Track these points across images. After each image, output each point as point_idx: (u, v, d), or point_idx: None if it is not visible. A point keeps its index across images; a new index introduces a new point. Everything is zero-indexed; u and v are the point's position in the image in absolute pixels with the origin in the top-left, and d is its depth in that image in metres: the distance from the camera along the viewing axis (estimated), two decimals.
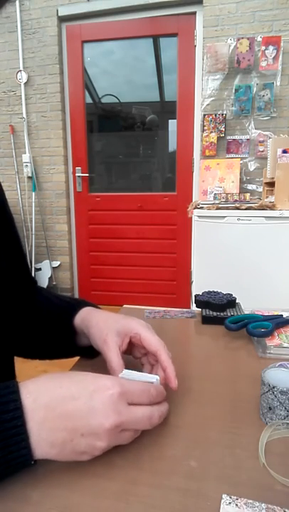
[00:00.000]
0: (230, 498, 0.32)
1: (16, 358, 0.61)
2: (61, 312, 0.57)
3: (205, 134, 2.63)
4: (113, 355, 0.45)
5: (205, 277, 2.00)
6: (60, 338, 0.57)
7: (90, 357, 0.57)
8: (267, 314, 0.74)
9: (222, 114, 2.59)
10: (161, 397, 0.40)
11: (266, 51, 2.41)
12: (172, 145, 2.96)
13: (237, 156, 2.61)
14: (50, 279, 3.17)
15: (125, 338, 0.48)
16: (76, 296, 3.26)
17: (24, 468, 0.34)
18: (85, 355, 0.58)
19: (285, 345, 0.62)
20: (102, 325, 0.49)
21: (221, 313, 0.76)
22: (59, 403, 0.34)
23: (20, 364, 0.61)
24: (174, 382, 0.44)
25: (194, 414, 0.45)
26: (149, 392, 0.39)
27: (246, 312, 0.77)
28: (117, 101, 3.06)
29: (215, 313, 0.76)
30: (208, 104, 2.61)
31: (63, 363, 0.62)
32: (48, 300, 0.62)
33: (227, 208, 1.95)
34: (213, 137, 2.62)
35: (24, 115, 2.97)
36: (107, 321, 0.50)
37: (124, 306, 0.86)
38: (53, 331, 0.57)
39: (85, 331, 0.52)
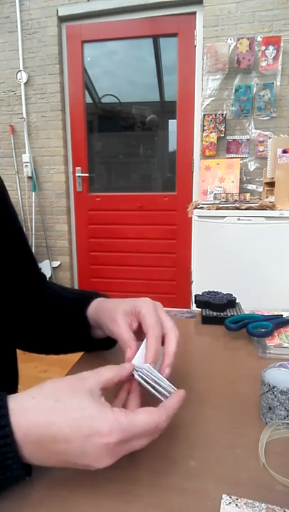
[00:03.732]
0: (230, 498, 0.32)
1: (19, 357, 0.61)
2: (73, 305, 0.56)
3: (205, 134, 2.63)
4: (123, 330, 0.44)
5: (205, 277, 2.00)
6: (73, 331, 0.56)
7: (108, 348, 0.57)
8: (267, 314, 0.74)
9: (222, 114, 2.59)
10: (170, 419, 0.36)
11: (266, 51, 2.41)
12: (172, 145, 2.96)
13: (237, 156, 2.61)
14: (50, 279, 3.17)
15: (133, 317, 0.46)
16: None
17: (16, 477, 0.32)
18: (102, 348, 0.58)
19: (285, 345, 0.62)
20: (112, 308, 0.49)
21: (221, 313, 0.76)
22: (49, 443, 0.31)
23: (20, 364, 0.61)
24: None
25: (194, 414, 0.45)
26: (154, 433, 0.34)
27: (246, 312, 0.77)
28: (117, 101, 3.06)
29: (215, 313, 0.76)
30: (208, 104, 2.61)
31: (63, 363, 0.62)
32: (59, 294, 0.61)
33: (227, 208, 1.94)
34: (213, 137, 2.62)
35: (24, 115, 2.97)
36: (116, 304, 0.49)
37: None
38: (65, 324, 0.56)
39: (98, 321, 0.52)
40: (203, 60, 2.57)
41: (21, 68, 2.91)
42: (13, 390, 0.58)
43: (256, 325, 0.67)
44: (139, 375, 0.39)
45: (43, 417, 0.32)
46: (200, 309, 0.80)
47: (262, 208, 1.89)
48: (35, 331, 0.60)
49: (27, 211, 3.10)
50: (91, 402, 0.32)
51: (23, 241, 0.60)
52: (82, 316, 0.54)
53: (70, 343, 0.59)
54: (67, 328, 0.56)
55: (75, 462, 0.32)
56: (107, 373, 0.36)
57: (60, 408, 0.32)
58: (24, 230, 0.62)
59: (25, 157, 3.00)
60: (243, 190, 2.56)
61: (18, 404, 0.32)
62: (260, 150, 2.56)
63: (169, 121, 3.01)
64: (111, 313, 0.48)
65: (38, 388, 0.34)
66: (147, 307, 0.45)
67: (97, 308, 0.53)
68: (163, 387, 0.39)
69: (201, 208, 2.00)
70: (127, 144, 3.18)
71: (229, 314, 0.75)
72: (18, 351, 0.61)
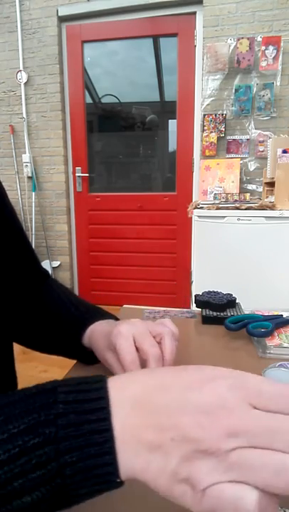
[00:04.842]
0: None
1: (19, 357, 0.60)
2: (69, 326, 0.55)
3: (205, 134, 2.63)
4: (114, 368, 0.45)
5: (205, 277, 2.00)
6: (68, 347, 0.56)
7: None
8: (267, 314, 0.74)
9: (222, 114, 2.59)
10: None
11: (266, 51, 2.41)
12: (172, 145, 2.96)
13: (237, 156, 2.61)
14: None
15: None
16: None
17: (108, 486, 0.24)
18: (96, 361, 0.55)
19: (285, 345, 0.62)
20: (99, 343, 0.49)
21: (221, 313, 0.76)
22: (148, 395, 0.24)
23: (20, 364, 0.61)
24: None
25: None
26: None
27: (246, 312, 0.77)
28: (117, 101, 3.06)
29: (215, 313, 0.76)
30: (208, 104, 2.61)
31: (63, 363, 0.62)
32: (60, 299, 0.60)
33: (227, 208, 1.94)
34: (213, 137, 2.62)
35: (24, 115, 2.97)
36: (102, 337, 0.49)
37: (124, 306, 0.86)
38: (61, 336, 0.56)
39: (93, 349, 0.52)
40: (203, 60, 2.57)
41: (21, 68, 2.91)
42: (13, 389, 0.58)
43: (256, 325, 0.67)
44: None
45: (152, 382, 0.25)
46: (200, 309, 0.80)
47: (262, 208, 1.89)
48: (33, 328, 0.60)
49: (27, 211, 3.10)
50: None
51: (22, 238, 0.60)
52: (78, 342, 0.54)
53: (64, 351, 0.58)
54: (62, 339, 0.56)
55: (172, 425, 0.22)
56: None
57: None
58: (24, 229, 0.62)
59: (25, 157, 3.00)
60: (243, 190, 2.56)
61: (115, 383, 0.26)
62: (260, 150, 2.56)
63: (169, 121, 3.01)
64: (98, 349, 0.49)
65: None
66: (120, 343, 0.42)
67: (90, 338, 0.52)
68: None
69: (201, 208, 2.00)
70: (127, 144, 3.18)
71: (229, 314, 0.75)
72: (19, 351, 0.61)
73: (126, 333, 0.43)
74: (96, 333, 0.51)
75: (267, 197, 2.27)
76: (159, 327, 0.44)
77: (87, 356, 0.54)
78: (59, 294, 0.61)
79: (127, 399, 0.24)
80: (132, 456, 0.23)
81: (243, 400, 0.22)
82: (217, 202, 2.11)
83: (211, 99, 2.60)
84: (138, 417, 0.23)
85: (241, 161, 2.59)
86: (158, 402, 0.23)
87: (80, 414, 0.23)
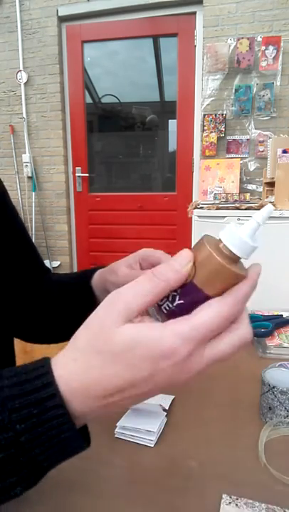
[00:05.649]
0: (230, 498, 0.32)
1: (19, 356, 0.60)
2: (76, 282, 0.55)
3: (205, 134, 2.63)
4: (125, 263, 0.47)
5: None
6: (79, 302, 0.54)
7: None
8: (267, 314, 0.74)
9: (222, 114, 2.59)
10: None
11: (266, 51, 2.41)
12: (172, 145, 2.96)
13: (237, 156, 2.61)
14: None
15: (136, 264, 0.47)
16: None
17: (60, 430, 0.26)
18: None
19: (285, 345, 0.62)
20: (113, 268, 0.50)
21: None
22: (114, 396, 0.27)
23: (20, 363, 0.61)
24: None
25: (194, 414, 0.45)
26: (228, 324, 0.28)
27: None
28: (117, 101, 3.06)
29: None
30: (208, 104, 2.61)
31: None
32: (61, 277, 0.61)
33: (227, 208, 1.94)
34: (213, 137, 2.62)
35: (24, 115, 2.97)
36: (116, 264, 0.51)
37: None
38: (71, 304, 0.55)
39: (103, 282, 0.52)
40: (203, 60, 2.57)
41: (21, 68, 2.91)
42: None
43: (256, 325, 0.68)
44: None
45: (96, 375, 0.27)
46: None
47: (262, 208, 1.89)
48: (42, 318, 0.59)
49: (27, 211, 3.10)
50: (135, 332, 0.26)
51: (23, 234, 0.61)
52: (87, 287, 0.53)
53: (76, 318, 0.57)
54: (73, 307, 0.55)
55: (149, 397, 0.27)
56: (146, 287, 0.27)
57: (107, 359, 0.27)
58: (25, 227, 0.62)
59: (25, 157, 3.00)
60: (243, 190, 2.56)
61: (63, 372, 0.27)
62: (260, 150, 2.56)
63: (169, 121, 3.01)
64: (113, 266, 0.50)
65: (72, 346, 0.29)
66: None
67: (101, 271, 0.53)
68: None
69: (201, 208, 2.00)
70: (127, 144, 3.18)
71: None
72: (19, 351, 0.61)
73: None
74: (104, 269, 0.52)
75: (267, 197, 2.27)
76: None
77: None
78: (60, 276, 0.62)
79: (90, 406, 0.27)
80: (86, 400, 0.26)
81: (197, 353, 0.26)
82: (217, 202, 2.11)
83: (211, 99, 2.60)
84: (109, 407, 0.27)
85: (241, 161, 2.59)
86: (129, 395, 0.27)
87: (24, 384, 0.26)
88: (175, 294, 0.28)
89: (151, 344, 0.26)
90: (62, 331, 0.59)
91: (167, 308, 0.28)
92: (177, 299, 0.28)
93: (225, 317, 0.26)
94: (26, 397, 0.25)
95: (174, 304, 0.28)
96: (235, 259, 0.28)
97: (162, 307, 0.29)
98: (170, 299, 0.28)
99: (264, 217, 0.29)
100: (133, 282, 0.28)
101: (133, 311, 0.27)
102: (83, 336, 0.28)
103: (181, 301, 0.28)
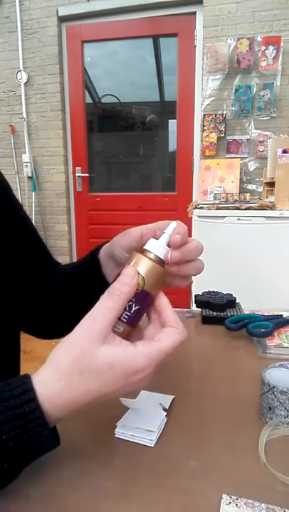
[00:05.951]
0: (230, 498, 0.32)
1: (21, 354, 0.60)
2: (84, 260, 0.54)
3: (205, 134, 2.63)
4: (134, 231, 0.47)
5: (205, 277, 1.99)
6: (87, 279, 0.53)
7: None
8: (267, 314, 0.74)
9: (222, 114, 2.59)
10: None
11: (266, 51, 2.41)
12: (172, 145, 2.96)
13: (237, 156, 2.61)
14: None
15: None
16: None
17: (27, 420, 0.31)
18: None
19: (285, 345, 0.62)
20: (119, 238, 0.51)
21: (221, 313, 0.76)
22: (91, 403, 0.33)
23: (21, 363, 0.61)
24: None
25: (194, 414, 0.45)
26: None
27: (246, 312, 0.77)
28: (117, 101, 3.06)
29: (215, 313, 0.76)
30: (208, 104, 2.61)
31: None
32: (64, 266, 0.62)
33: (227, 208, 1.94)
34: (213, 137, 2.62)
35: (24, 115, 2.97)
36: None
37: None
38: (80, 283, 0.54)
39: (111, 251, 0.51)
40: (203, 60, 2.57)
41: (21, 68, 2.91)
42: None
43: (256, 325, 0.68)
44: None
45: (77, 392, 0.32)
46: (200, 309, 0.80)
47: (262, 207, 1.89)
48: (51, 308, 0.58)
49: (27, 211, 3.08)
50: (112, 354, 0.32)
51: (29, 228, 0.61)
52: (94, 259, 0.52)
53: (85, 298, 0.56)
54: (82, 286, 0.54)
55: (115, 398, 0.36)
56: (109, 305, 0.34)
57: (88, 378, 0.32)
58: (31, 222, 0.62)
59: (25, 157, 3.00)
60: (243, 190, 2.56)
61: (47, 392, 0.32)
62: (260, 150, 2.56)
63: (169, 121, 3.01)
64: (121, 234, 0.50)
65: (54, 365, 0.33)
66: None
67: (108, 243, 0.53)
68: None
69: (201, 208, 2.00)
70: (127, 144, 3.18)
71: (229, 314, 0.75)
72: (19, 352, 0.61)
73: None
74: (116, 237, 0.53)
75: (267, 197, 2.27)
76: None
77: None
78: (63, 267, 0.62)
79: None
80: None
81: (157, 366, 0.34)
82: (217, 202, 2.11)
83: (211, 99, 2.60)
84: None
85: (241, 161, 2.59)
86: (102, 401, 0.33)
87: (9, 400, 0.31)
88: (131, 303, 0.35)
89: (127, 364, 0.32)
90: (72, 317, 0.58)
91: (126, 317, 0.35)
92: (134, 306, 0.35)
93: (181, 343, 0.35)
94: (12, 411, 0.30)
95: (132, 312, 0.35)
96: (162, 262, 0.37)
97: (122, 318, 0.35)
98: (127, 308, 0.35)
99: (171, 231, 0.40)
100: (97, 305, 0.34)
101: (107, 330, 0.33)
102: (64, 359, 0.33)
103: (138, 307, 0.35)
